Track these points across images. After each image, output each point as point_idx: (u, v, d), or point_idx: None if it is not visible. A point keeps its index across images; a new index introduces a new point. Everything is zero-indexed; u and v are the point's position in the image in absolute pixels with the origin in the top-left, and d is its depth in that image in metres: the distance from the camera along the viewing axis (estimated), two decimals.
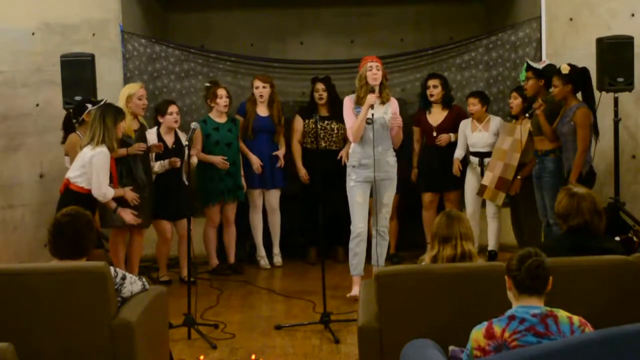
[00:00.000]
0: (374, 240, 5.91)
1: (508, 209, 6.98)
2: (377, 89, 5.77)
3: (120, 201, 5.92)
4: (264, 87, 6.90)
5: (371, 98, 5.71)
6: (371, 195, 5.95)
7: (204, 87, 6.98)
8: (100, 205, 5.81)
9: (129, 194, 5.82)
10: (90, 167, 5.42)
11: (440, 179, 6.98)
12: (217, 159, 6.70)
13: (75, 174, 5.49)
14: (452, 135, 6.95)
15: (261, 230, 7.13)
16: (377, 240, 5.91)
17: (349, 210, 5.91)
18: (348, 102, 5.91)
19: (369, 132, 5.76)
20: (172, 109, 6.46)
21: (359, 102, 5.82)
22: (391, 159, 5.93)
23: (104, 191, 5.49)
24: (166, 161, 6.35)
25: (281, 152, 7.05)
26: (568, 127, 5.91)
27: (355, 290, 5.82)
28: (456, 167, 6.91)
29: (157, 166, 6.38)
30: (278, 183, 7.09)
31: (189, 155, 5.59)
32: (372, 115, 5.72)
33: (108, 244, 6.42)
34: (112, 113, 5.56)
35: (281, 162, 7.03)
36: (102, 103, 5.78)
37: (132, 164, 6.07)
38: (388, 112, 5.86)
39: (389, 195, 5.94)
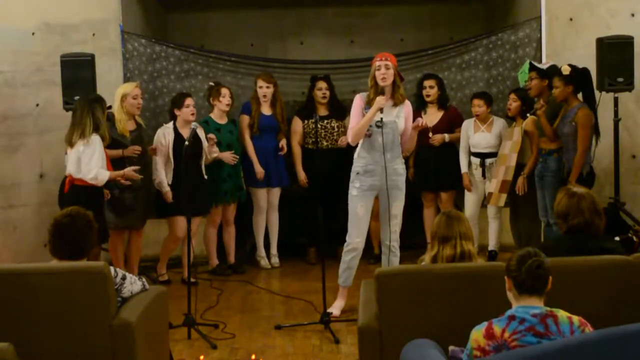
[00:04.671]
0: (384, 256, 5.60)
1: (508, 209, 6.98)
2: (387, 90, 5.34)
3: (117, 206, 5.98)
4: (267, 87, 6.90)
5: (380, 101, 5.26)
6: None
7: (207, 86, 6.97)
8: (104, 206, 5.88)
9: (129, 173, 5.80)
10: (82, 157, 5.50)
11: (434, 179, 6.97)
12: (226, 155, 6.67)
13: (74, 169, 5.55)
14: (446, 135, 6.95)
15: (263, 231, 7.14)
16: (388, 257, 5.52)
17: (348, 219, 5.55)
18: (359, 100, 5.45)
19: (378, 136, 5.32)
20: (189, 101, 6.45)
21: (369, 103, 5.37)
22: (400, 167, 5.47)
23: (94, 174, 5.51)
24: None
25: (283, 142, 7.02)
26: (569, 127, 5.92)
27: (336, 306, 5.59)
28: (467, 182, 6.89)
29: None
30: (283, 181, 7.09)
31: (187, 155, 5.59)
32: (381, 118, 5.29)
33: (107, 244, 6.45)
34: (98, 105, 5.61)
35: (284, 149, 7.00)
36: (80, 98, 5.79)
37: (128, 166, 6.07)
38: (401, 115, 5.41)
39: (397, 206, 5.46)
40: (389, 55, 5.41)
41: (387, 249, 5.53)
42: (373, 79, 5.36)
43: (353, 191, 5.48)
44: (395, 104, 5.41)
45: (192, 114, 6.44)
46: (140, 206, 6.22)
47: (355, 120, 5.41)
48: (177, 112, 6.47)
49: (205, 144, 6.48)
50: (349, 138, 5.49)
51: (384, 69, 5.32)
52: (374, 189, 5.47)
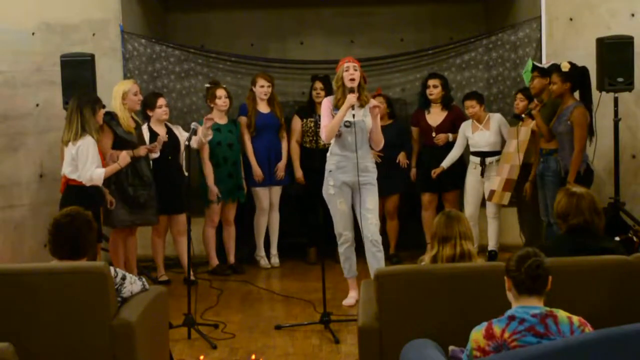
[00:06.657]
0: (367, 252, 5.70)
1: (508, 209, 6.97)
2: (355, 90, 5.56)
3: (133, 204, 6.00)
4: (268, 87, 6.92)
5: (351, 98, 5.49)
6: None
7: (205, 87, 6.98)
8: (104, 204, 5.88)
9: (140, 150, 5.97)
10: (78, 160, 5.53)
11: (438, 179, 6.95)
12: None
13: (69, 170, 5.58)
14: (450, 135, 6.95)
15: (264, 231, 7.13)
16: (371, 252, 5.67)
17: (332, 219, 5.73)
18: (327, 103, 5.69)
19: (349, 135, 5.56)
20: (161, 101, 6.46)
21: (337, 105, 5.60)
22: (370, 164, 5.71)
23: (89, 176, 5.55)
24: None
25: (284, 147, 7.05)
26: (565, 126, 5.92)
27: (352, 296, 5.82)
28: (438, 172, 6.83)
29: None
30: (284, 180, 7.10)
31: (189, 156, 5.59)
32: (353, 115, 5.52)
33: (107, 243, 6.44)
34: (89, 103, 5.61)
35: (284, 158, 7.03)
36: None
37: (137, 162, 6.08)
38: (367, 115, 5.63)
39: (372, 200, 5.67)
40: (354, 60, 5.68)
41: (370, 244, 5.67)
42: (340, 79, 5.60)
43: (330, 190, 5.70)
44: (362, 105, 5.65)
45: (165, 114, 6.46)
46: (154, 202, 6.23)
47: (327, 119, 5.62)
48: (149, 113, 6.47)
49: (182, 144, 6.39)
50: (323, 136, 5.66)
51: (352, 70, 5.60)
52: (349, 184, 5.67)
